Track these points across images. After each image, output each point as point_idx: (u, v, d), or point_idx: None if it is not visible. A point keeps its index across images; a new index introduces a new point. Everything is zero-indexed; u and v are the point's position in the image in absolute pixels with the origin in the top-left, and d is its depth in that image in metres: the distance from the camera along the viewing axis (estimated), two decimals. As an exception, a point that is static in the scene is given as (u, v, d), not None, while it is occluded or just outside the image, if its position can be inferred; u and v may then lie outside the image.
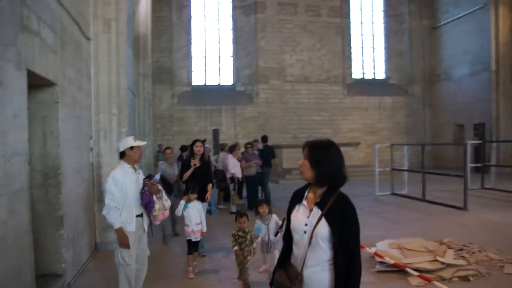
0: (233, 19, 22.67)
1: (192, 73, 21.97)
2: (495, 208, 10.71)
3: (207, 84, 22.33)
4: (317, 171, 2.53)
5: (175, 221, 8.39)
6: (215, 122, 20.38)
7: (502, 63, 18.77)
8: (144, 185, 4.74)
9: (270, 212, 6.01)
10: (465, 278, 5.63)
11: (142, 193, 4.68)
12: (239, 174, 11.15)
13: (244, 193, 12.41)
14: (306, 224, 2.52)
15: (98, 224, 7.47)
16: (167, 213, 4.96)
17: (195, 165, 7.23)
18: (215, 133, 15.40)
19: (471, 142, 13.90)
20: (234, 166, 11.07)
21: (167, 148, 8.98)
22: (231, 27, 22.72)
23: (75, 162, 6.34)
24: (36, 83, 4.91)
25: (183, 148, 12.37)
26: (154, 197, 4.72)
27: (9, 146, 3.76)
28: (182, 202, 6.13)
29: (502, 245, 7.02)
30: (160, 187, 4.85)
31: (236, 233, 5.58)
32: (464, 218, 9.60)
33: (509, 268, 5.91)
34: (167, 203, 4.89)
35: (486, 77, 19.37)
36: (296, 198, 2.69)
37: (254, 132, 20.11)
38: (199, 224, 6.19)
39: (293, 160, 18.29)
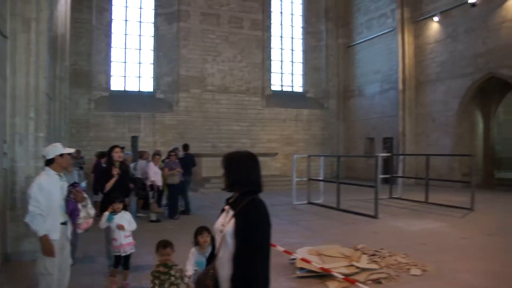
0: (155, 26, 22.39)
1: (111, 78, 21.35)
2: (402, 216, 11.52)
3: (126, 90, 21.80)
4: (226, 178, 2.79)
5: (75, 247, 6.71)
6: (133, 129, 19.92)
7: (407, 84, 20.29)
8: (69, 192, 4.62)
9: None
10: (377, 281, 6.04)
11: (67, 200, 4.58)
12: (159, 183, 11.05)
13: (164, 202, 12.29)
14: (223, 225, 2.72)
15: (10, 233, 7.04)
16: (91, 221, 4.86)
17: (118, 173, 6.72)
18: (134, 140, 15.09)
19: (381, 155, 14.83)
20: (154, 175, 10.94)
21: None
22: (153, 34, 22.42)
23: (-14, 167, 5.99)
24: None
25: (101, 155, 11.92)
26: (79, 205, 4.63)
27: None
28: (106, 214, 5.67)
29: (408, 249, 7.60)
30: (85, 194, 4.76)
31: (156, 270, 4.51)
32: (375, 225, 10.22)
33: (414, 271, 6.43)
34: (92, 211, 4.80)
35: (394, 95, 20.77)
36: (224, 204, 2.87)
37: (173, 140, 19.96)
38: (128, 236, 5.70)
39: (212, 169, 18.38)
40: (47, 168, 4.56)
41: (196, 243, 4.77)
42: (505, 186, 17.18)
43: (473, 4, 16.80)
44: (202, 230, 4.74)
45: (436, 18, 18.94)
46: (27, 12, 7.50)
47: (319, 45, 25.31)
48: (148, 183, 11.05)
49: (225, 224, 2.71)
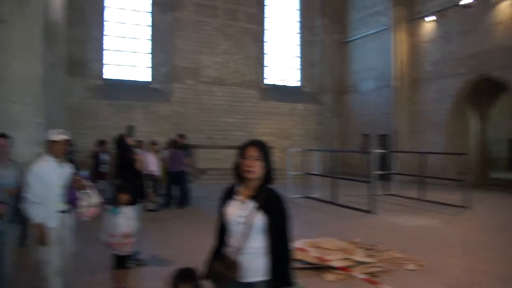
0: (151, 15, 22.21)
1: (105, 66, 21.15)
2: (398, 212, 11.61)
3: (121, 79, 21.62)
4: (266, 168, 2.79)
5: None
6: (128, 118, 19.72)
7: (402, 81, 20.28)
8: (70, 180, 4.57)
9: None
10: (373, 274, 6.08)
11: (67, 188, 4.52)
12: (156, 172, 11.04)
13: (161, 191, 12.39)
14: (241, 216, 2.72)
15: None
16: (95, 210, 4.77)
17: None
18: (130, 129, 14.93)
19: (376, 151, 14.88)
20: (152, 164, 10.91)
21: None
22: (149, 23, 22.24)
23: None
24: None
25: (100, 143, 12.05)
26: (80, 193, 4.59)
27: None
28: (109, 207, 5.13)
29: (404, 245, 7.70)
30: (86, 182, 4.69)
31: None
32: (371, 220, 10.30)
33: (410, 265, 6.51)
34: (95, 200, 4.70)
35: (388, 93, 20.78)
36: (228, 195, 2.89)
37: (169, 131, 19.81)
38: (128, 235, 5.04)
39: (208, 160, 18.40)
40: (45, 154, 4.57)
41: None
42: (499, 186, 17.30)
43: (466, 6, 16.82)
44: (185, 278, 3.00)
45: (430, 18, 18.95)
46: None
47: (315, 40, 25.25)
48: (146, 172, 11.01)
49: (247, 216, 2.71)
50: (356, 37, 23.59)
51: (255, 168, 2.74)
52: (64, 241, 4.58)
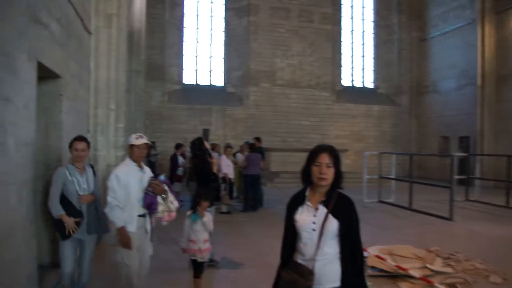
0: (225, 20, 22.71)
1: (183, 71, 21.95)
2: (480, 219, 10.95)
3: (198, 83, 22.32)
4: (337, 173, 2.76)
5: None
6: (204, 122, 20.39)
7: (487, 79, 19.17)
8: (149, 184, 4.52)
9: None
10: (452, 286, 5.78)
11: (146, 193, 4.48)
12: (231, 175, 11.26)
13: (235, 194, 12.65)
14: (314, 223, 2.71)
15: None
16: (173, 215, 4.72)
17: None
18: (205, 132, 15.45)
19: (457, 154, 14.16)
20: (226, 167, 11.14)
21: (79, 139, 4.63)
22: (223, 28, 22.75)
23: (73, 155, 6.33)
24: (42, 75, 4.90)
25: (177, 146, 12.49)
26: (159, 198, 4.53)
27: (19, 136, 3.80)
28: (189, 213, 5.11)
29: (486, 255, 7.18)
30: (166, 187, 4.61)
31: None
32: (449, 228, 9.81)
33: (495, 278, 6.07)
34: (174, 205, 4.66)
35: (471, 92, 19.73)
36: (297, 201, 2.86)
37: (243, 134, 20.19)
38: (207, 241, 5.11)
39: (281, 163, 18.45)
40: (126, 158, 4.61)
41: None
42: None
43: None
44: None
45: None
46: (109, 8, 7.88)
47: (391, 39, 24.54)
48: (220, 175, 11.28)
49: (317, 221, 2.71)
50: (436, 34, 22.63)
51: (328, 175, 2.71)
52: (143, 245, 4.59)
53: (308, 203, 2.78)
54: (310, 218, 2.73)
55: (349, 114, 23.18)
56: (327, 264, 2.69)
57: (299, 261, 2.76)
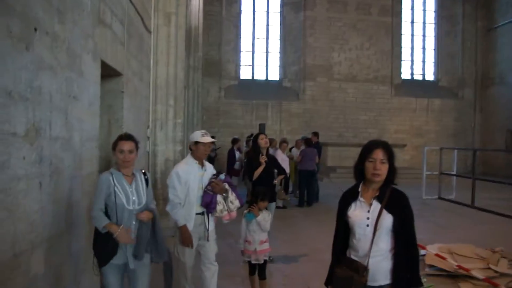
0: (281, 15, 22.68)
1: (240, 67, 22.17)
2: (550, 219, 10.35)
3: (254, 78, 22.47)
4: (391, 169, 2.75)
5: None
6: (260, 117, 20.52)
7: None
8: (209, 183, 4.41)
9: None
10: (519, 289, 5.53)
11: (205, 191, 4.38)
12: (287, 170, 11.28)
13: (291, 188, 12.70)
14: (368, 218, 2.70)
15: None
16: (234, 214, 4.60)
17: (265, 161, 6.44)
18: (262, 127, 15.53)
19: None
20: (282, 162, 11.15)
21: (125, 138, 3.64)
22: (279, 23, 22.74)
23: (134, 151, 6.57)
24: (106, 73, 5.11)
25: (234, 141, 12.64)
26: (218, 197, 4.41)
27: (84, 132, 4.00)
28: (245, 212, 4.96)
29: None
30: (227, 186, 4.49)
31: None
32: (516, 227, 9.36)
33: None
34: (234, 204, 4.53)
35: (543, 83, 18.62)
36: (349, 198, 2.85)
37: (299, 129, 20.15)
38: (264, 242, 4.92)
39: (338, 158, 18.29)
40: (188, 156, 4.55)
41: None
42: None
43: None
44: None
45: None
46: (168, 7, 8.10)
47: (454, 30, 23.53)
48: (275, 170, 11.33)
49: (371, 217, 2.70)
50: (505, 22, 21.41)
51: (382, 171, 2.70)
52: (204, 243, 4.52)
53: (361, 198, 2.77)
54: (364, 213, 2.72)
55: (408, 108, 22.54)
56: (381, 260, 2.68)
57: (353, 257, 2.77)
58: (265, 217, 4.88)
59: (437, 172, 13.45)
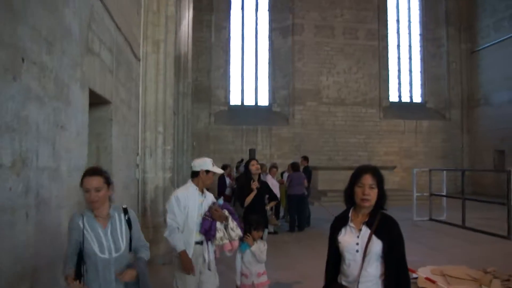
0: (270, 40, 22.98)
1: (230, 92, 22.31)
2: (541, 239, 10.38)
3: (244, 104, 22.60)
4: (380, 194, 2.74)
5: None
6: (251, 142, 20.57)
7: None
8: (208, 209, 4.31)
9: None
10: (511, 309, 5.51)
11: (203, 218, 4.26)
12: (278, 195, 11.23)
13: (281, 214, 12.59)
14: (357, 244, 2.69)
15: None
16: (236, 243, 4.44)
17: (257, 187, 6.30)
18: (252, 152, 15.55)
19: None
20: (272, 187, 11.13)
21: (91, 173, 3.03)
22: (268, 49, 23.01)
23: (123, 178, 6.55)
24: (94, 101, 5.11)
25: (224, 167, 12.55)
26: (218, 224, 4.26)
27: (72, 161, 3.99)
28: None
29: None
30: (226, 213, 4.34)
31: None
32: (507, 247, 9.36)
33: (558, 302, 5.75)
34: (235, 232, 4.35)
35: (528, 103, 18.92)
36: (340, 223, 2.85)
37: (289, 153, 20.23)
38: (262, 274, 4.66)
39: (328, 182, 18.27)
40: (189, 182, 4.42)
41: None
42: None
43: None
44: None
45: None
46: (157, 35, 8.17)
47: (439, 52, 23.98)
48: (266, 195, 11.27)
49: (360, 243, 2.69)
50: (488, 44, 21.92)
51: (371, 196, 2.70)
52: (203, 275, 4.32)
53: (351, 224, 2.78)
54: (354, 239, 2.72)
55: (397, 130, 22.75)
56: (371, 286, 2.66)
57: (343, 283, 2.76)
58: (260, 247, 4.63)
59: (427, 194, 13.51)
